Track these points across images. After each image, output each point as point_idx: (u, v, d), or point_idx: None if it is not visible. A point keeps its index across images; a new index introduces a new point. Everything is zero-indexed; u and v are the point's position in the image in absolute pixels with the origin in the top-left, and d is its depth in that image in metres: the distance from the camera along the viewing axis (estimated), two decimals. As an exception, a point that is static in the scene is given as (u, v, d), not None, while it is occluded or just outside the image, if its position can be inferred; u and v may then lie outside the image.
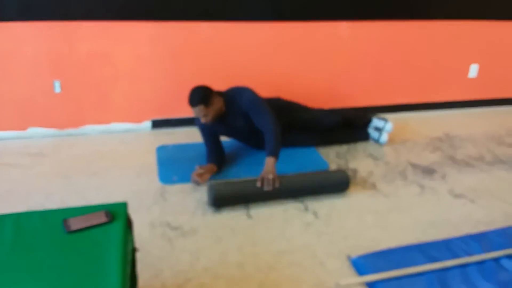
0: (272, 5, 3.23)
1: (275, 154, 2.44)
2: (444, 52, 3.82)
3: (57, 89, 3.08)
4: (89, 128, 3.27)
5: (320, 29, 3.43)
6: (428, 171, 2.86)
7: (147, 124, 3.38)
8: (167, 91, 3.28)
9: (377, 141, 3.21)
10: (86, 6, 2.90)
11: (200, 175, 2.56)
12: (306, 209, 2.39)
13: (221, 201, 2.32)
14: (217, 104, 2.60)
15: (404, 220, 2.31)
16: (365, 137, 3.26)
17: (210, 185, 2.35)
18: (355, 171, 2.82)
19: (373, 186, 2.64)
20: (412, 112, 3.96)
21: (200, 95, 2.52)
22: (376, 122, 3.22)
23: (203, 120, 2.60)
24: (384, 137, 3.17)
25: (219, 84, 2.92)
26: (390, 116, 3.80)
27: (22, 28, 2.88)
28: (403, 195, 2.56)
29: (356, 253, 2.02)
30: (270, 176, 2.35)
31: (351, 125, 3.22)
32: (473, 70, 3.98)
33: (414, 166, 2.93)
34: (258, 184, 2.35)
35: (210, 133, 2.78)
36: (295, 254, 2.02)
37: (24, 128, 3.14)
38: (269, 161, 2.42)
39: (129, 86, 3.23)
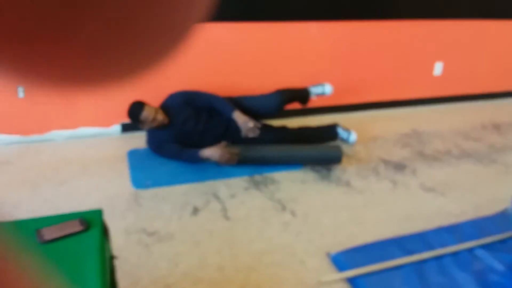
0: (244, 5, 3.22)
1: (233, 108, 2.79)
2: (410, 51, 3.93)
3: (21, 94, 2.96)
4: (55, 133, 3.15)
5: (289, 30, 3.45)
6: (399, 167, 2.93)
7: (117, 128, 3.29)
8: (136, 93, 3.20)
9: (346, 140, 3.23)
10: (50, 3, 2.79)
11: (231, 154, 2.61)
12: (284, 208, 2.39)
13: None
14: (149, 113, 2.72)
15: (379, 215, 2.35)
16: (333, 136, 3.28)
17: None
18: (329, 169, 2.85)
19: (347, 183, 2.68)
20: (380, 110, 4.05)
21: (129, 117, 2.79)
22: (341, 133, 3.22)
23: (155, 124, 2.74)
24: (353, 137, 3.18)
25: (189, 86, 2.90)
26: (359, 114, 3.87)
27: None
28: (376, 190, 2.61)
29: (334, 249, 2.03)
30: (251, 124, 2.71)
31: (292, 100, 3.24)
32: (438, 68, 4.11)
33: (386, 162, 2.99)
34: (245, 134, 2.71)
35: (175, 142, 2.82)
36: (275, 254, 2.01)
37: (-15, 136, 3.00)
38: (237, 115, 2.76)
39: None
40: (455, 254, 2.03)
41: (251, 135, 2.73)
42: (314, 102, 3.75)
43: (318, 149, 2.89)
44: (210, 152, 2.64)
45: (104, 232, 1.49)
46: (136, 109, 2.74)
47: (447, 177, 2.80)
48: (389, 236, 2.15)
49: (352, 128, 3.29)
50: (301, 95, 3.26)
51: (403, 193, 2.60)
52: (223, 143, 2.68)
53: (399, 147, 3.24)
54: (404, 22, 3.77)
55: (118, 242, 2.02)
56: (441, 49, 4.04)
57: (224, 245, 2.06)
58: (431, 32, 3.92)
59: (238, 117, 2.76)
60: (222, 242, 2.09)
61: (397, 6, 3.67)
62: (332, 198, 2.52)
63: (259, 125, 2.77)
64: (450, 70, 4.15)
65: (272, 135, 2.99)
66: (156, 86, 3.19)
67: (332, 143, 3.14)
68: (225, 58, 3.36)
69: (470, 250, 2.05)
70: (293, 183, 2.66)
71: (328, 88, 3.28)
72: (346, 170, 2.85)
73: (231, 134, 2.88)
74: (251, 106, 3.03)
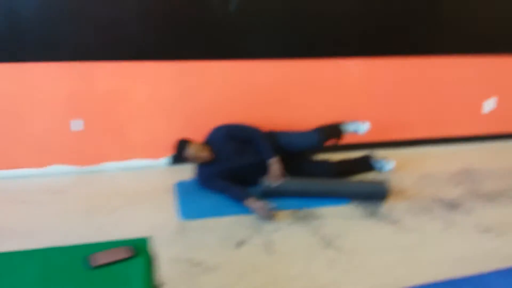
0: (282, 43, 3.30)
1: (273, 154, 2.82)
2: (459, 87, 3.82)
3: (78, 126, 3.14)
4: (108, 165, 3.29)
5: (329, 66, 3.47)
6: (452, 206, 2.79)
7: (165, 160, 3.40)
8: (183, 127, 3.31)
9: (381, 169, 3.20)
10: (105, 47, 3.00)
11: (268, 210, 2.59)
12: (329, 245, 2.33)
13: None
14: (193, 151, 2.81)
15: (430, 256, 2.23)
16: (368, 167, 3.24)
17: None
18: (377, 205, 2.76)
19: (397, 221, 2.58)
20: (430, 147, 3.92)
21: (175, 151, 2.88)
22: (375, 163, 3.24)
23: (199, 161, 2.85)
24: (390, 165, 3.18)
25: (232, 120, 2.97)
26: (407, 150, 3.77)
27: (41, 68, 2.97)
28: (428, 230, 2.49)
29: (383, 290, 1.94)
30: (277, 173, 2.76)
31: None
32: (488, 105, 3.96)
33: (438, 200, 2.86)
34: (267, 182, 2.76)
35: (221, 178, 2.86)
36: (320, 291, 1.95)
37: (44, 165, 3.18)
38: (272, 162, 2.79)
39: (147, 123, 3.28)
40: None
41: (274, 184, 2.76)
42: (358, 138, 3.72)
43: (364, 184, 2.84)
44: (255, 206, 2.60)
45: (151, 260, 1.51)
46: (181, 146, 2.85)
47: (504, 218, 2.63)
48: (442, 278, 2.03)
49: (402, 164, 3.20)
50: (335, 131, 3.24)
51: (457, 233, 2.46)
52: (269, 205, 2.61)
53: (452, 186, 3.10)
54: (451, 58, 3.69)
55: (164, 271, 2.05)
56: (494, 85, 3.90)
57: (268, 280, 2.03)
58: (483, 68, 3.80)
59: (273, 164, 2.79)
60: (266, 276, 2.06)
61: (443, 41, 3.61)
62: (380, 236, 2.43)
63: (285, 178, 2.80)
64: (501, 106, 3.99)
65: (313, 169, 3.03)
66: (197, 121, 3.29)
67: (372, 175, 3.15)
68: (264, 94, 3.43)
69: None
70: (338, 219, 2.60)
71: (364, 127, 3.23)
72: (395, 207, 2.75)
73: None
74: (290, 142, 3.04)
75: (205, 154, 2.83)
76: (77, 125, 3.14)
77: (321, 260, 2.20)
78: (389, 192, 2.78)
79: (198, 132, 3.07)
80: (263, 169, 2.88)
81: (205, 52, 3.18)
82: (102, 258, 1.43)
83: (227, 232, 2.43)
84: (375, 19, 3.38)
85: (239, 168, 2.88)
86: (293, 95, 3.48)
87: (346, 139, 3.61)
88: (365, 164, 3.24)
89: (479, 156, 3.70)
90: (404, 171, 3.27)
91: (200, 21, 3.08)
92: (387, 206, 2.76)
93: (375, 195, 2.79)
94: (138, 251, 1.48)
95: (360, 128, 3.23)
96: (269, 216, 2.56)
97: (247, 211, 2.64)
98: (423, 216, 2.65)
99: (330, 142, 3.20)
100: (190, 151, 2.82)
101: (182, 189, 2.97)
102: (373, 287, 1.98)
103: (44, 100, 3.05)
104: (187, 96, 3.28)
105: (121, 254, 1.46)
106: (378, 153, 3.42)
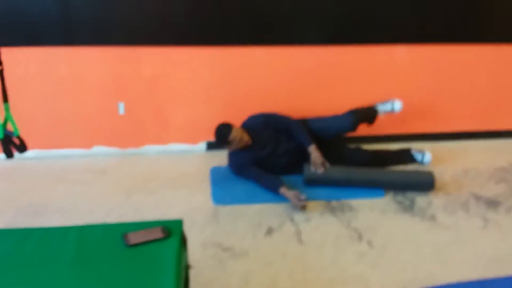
0: (326, 29, 3.26)
1: (311, 142, 2.84)
2: (507, 77, 3.63)
3: (121, 110, 3.27)
4: (148, 148, 3.41)
5: (375, 53, 3.38)
6: (493, 203, 2.69)
7: (202, 145, 3.47)
8: (222, 113, 3.35)
9: (421, 162, 3.12)
10: (149, 32, 3.08)
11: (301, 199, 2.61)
12: (360, 237, 2.32)
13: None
14: (237, 134, 2.80)
15: (465, 255, 2.18)
16: (409, 159, 3.16)
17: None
18: (412, 200, 2.71)
19: (433, 218, 2.53)
20: (474, 140, 3.76)
21: (217, 137, 2.88)
22: (415, 155, 3.15)
23: (240, 145, 2.84)
24: (428, 157, 3.10)
25: (271, 107, 2.98)
26: (449, 143, 3.64)
27: (91, 52, 3.10)
28: (464, 228, 2.42)
29: (412, 287, 1.92)
30: (319, 160, 2.75)
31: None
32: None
33: (477, 197, 2.77)
34: (312, 169, 2.76)
35: (255, 166, 2.88)
36: (348, 285, 1.96)
37: (89, 147, 3.34)
38: (313, 149, 2.80)
39: (186, 108, 3.35)
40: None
41: (318, 170, 2.76)
42: (400, 129, 3.63)
43: (408, 174, 2.84)
44: (289, 195, 2.62)
45: (183, 241, 1.57)
46: (224, 130, 2.84)
47: (549, 220, 2.52)
48: (475, 278, 1.98)
49: (441, 158, 3.10)
50: (369, 114, 3.18)
51: (495, 232, 2.38)
52: (302, 195, 2.60)
53: (493, 182, 2.98)
54: (502, 46, 3.50)
55: (194, 254, 2.12)
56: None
57: (296, 269, 2.05)
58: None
59: (313, 151, 2.80)
60: (294, 265, 2.08)
61: (497, 28, 3.42)
62: (414, 231, 2.39)
63: (328, 165, 2.79)
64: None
65: (348, 156, 3.00)
66: (236, 107, 3.33)
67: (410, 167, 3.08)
68: (305, 80, 3.41)
69: None
70: (372, 212, 2.58)
71: (397, 105, 3.15)
72: (432, 203, 2.69)
73: (307, 158, 2.90)
74: (324, 127, 3.03)
75: (246, 138, 2.85)
76: (121, 108, 3.26)
77: (351, 252, 2.19)
78: (435, 182, 2.75)
79: (236, 119, 3.11)
80: (298, 158, 2.89)
81: (248, 38, 3.20)
82: (137, 237, 1.50)
83: (258, 219, 2.47)
84: (426, 4, 3.27)
85: (275, 156, 2.90)
86: (335, 81, 3.44)
87: (386, 129, 3.55)
88: (405, 156, 3.16)
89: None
90: (444, 165, 3.16)
91: (246, 5, 3.10)
92: (423, 202, 2.70)
93: (422, 186, 2.77)
94: (171, 232, 1.54)
95: (395, 107, 3.16)
96: (302, 205, 2.58)
97: (278, 199, 2.67)
98: (461, 213, 2.58)
99: (364, 124, 3.15)
100: (234, 134, 2.81)
101: (217, 174, 3.03)
102: (402, 282, 1.97)
103: (92, 83, 3.18)
104: (227, 82, 3.32)
105: (155, 234, 1.52)
106: (417, 146, 3.33)
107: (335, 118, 3.10)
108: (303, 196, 2.58)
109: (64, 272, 1.35)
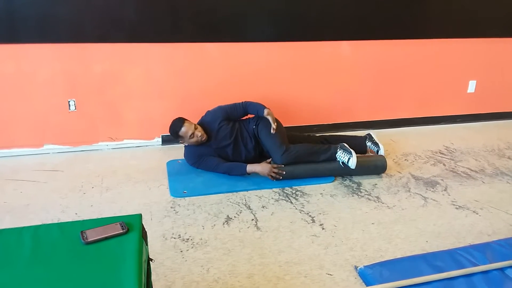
0: (275, 27, 3.36)
1: (264, 107, 2.95)
2: (443, 69, 3.92)
3: (72, 107, 3.20)
4: (102, 144, 3.37)
5: (320, 49, 3.54)
6: (431, 184, 2.92)
7: (158, 140, 3.48)
8: (177, 108, 3.38)
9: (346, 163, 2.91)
10: (100, 29, 3.04)
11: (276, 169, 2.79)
12: (313, 221, 2.45)
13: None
14: (188, 130, 2.88)
15: (408, 231, 2.36)
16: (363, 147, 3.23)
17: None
18: (359, 184, 2.89)
19: (377, 198, 2.71)
20: (412, 127, 4.04)
21: (170, 132, 2.97)
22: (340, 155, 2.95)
23: (193, 140, 2.91)
24: (353, 161, 2.86)
25: (224, 101, 3.05)
26: (390, 130, 3.89)
27: (39, 49, 3.01)
28: (406, 207, 2.62)
29: (362, 263, 2.07)
30: (275, 124, 2.88)
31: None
32: (472, 86, 4.07)
33: (417, 178, 2.99)
34: (272, 131, 2.87)
35: (216, 156, 2.98)
36: (303, 265, 2.08)
37: (40, 145, 3.26)
38: (266, 113, 2.92)
39: (140, 104, 3.34)
40: (486, 273, 2.01)
41: (272, 131, 2.87)
42: (345, 118, 3.83)
43: (363, 159, 2.98)
44: (260, 168, 2.83)
45: (143, 235, 1.60)
46: (175, 125, 2.91)
47: (480, 195, 2.77)
48: (418, 252, 2.17)
49: (384, 144, 3.29)
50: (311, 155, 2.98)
51: (434, 209, 2.60)
52: (269, 161, 2.89)
53: (431, 164, 3.23)
54: (438, 41, 3.78)
55: (155, 247, 2.16)
56: (475, 67, 4.01)
57: (254, 254, 2.15)
58: (465, 51, 3.90)
59: (268, 114, 2.92)
60: (253, 251, 2.18)
61: (430, 25, 3.69)
62: (361, 212, 2.56)
63: (274, 125, 2.89)
64: (483, 88, 4.11)
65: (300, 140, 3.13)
66: (190, 102, 3.36)
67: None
68: (257, 75, 3.49)
69: (502, 270, 2.03)
70: (323, 197, 2.73)
71: (352, 162, 2.85)
72: (376, 185, 2.88)
73: (260, 147, 3.04)
74: (269, 146, 2.97)
75: (199, 133, 2.89)
76: (72, 105, 3.20)
77: (305, 235, 2.32)
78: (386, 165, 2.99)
79: (191, 113, 3.14)
80: (249, 149, 2.99)
81: (197, 34, 3.23)
82: (94, 234, 1.50)
83: (216, 210, 2.55)
84: (367, 5, 3.47)
85: (229, 148, 2.97)
86: (285, 75, 3.55)
87: (337, 119, 3.74)
88: (360, 143, 3.23)
89: (461, 136, 3.83)
90: (386, 150, 3.35)
91: (197, 4, 3.12)
92: (368, 184, 2.88)
93: (378, 169, 2.98)
94: (130, 227, 1.55)
95: (349, 163, 2.87)
96: (278, 171, 2.79)
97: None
98: (403, 193, 2.78)
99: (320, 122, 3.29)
100: (185, 129, 2.88)
101: (173, 168, 3.07)
102: (353, 259, 2.11)
103: (41, 80, 3.10)
104: (180, 78, 3.34)
105: (114, 230, 1.53)
106: (361, 133, 3.52)
107: (276, 145, 2.92)
108: (272, 163, 2.79)
109: (21, 274, 1.30)
